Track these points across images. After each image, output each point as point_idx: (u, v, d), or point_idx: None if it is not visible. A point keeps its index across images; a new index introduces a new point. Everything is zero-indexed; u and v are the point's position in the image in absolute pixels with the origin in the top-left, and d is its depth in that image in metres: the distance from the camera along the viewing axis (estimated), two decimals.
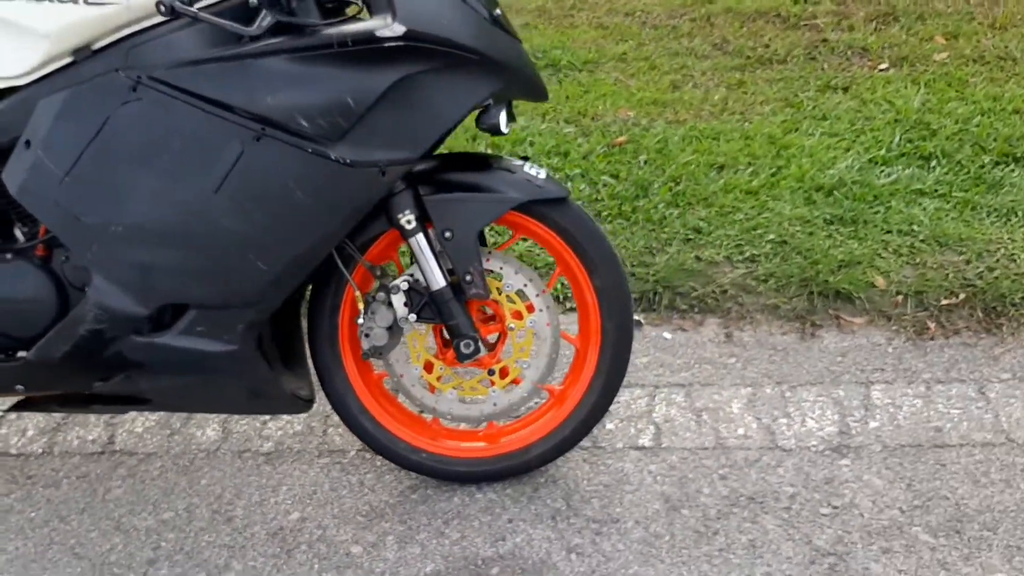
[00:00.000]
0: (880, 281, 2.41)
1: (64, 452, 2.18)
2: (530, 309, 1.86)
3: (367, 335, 1.81)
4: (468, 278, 1.77)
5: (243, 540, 1.89)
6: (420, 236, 1.75)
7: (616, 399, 1.98)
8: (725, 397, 2.16)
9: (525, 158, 1.87)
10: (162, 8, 1.47)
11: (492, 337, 1.90)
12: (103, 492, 2.05)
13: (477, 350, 1.80)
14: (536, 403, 2.03)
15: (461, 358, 1.81)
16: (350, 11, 1.71)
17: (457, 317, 1.79)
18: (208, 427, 2.20)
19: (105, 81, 1.63)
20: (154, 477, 2.08)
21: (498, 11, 1.71)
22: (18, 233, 1.85)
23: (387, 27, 1.57)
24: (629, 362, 1.92)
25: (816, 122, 3.17)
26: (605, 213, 2.78)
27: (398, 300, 1.80)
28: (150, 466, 2.11)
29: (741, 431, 2.06)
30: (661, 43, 3.91)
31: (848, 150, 2.97)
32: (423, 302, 1.80)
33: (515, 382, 1.90)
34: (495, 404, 1.91)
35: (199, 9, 1.54)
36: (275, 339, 1.89)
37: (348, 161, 1.62)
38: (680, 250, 2.60)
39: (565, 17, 4.27)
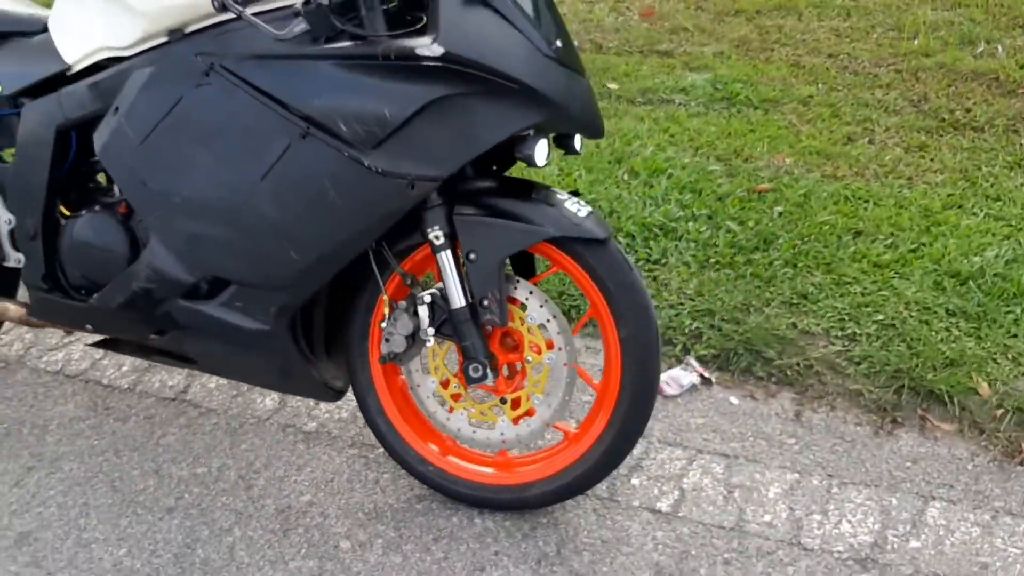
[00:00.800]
0: (984, 388, 2.16)
1: (143, 392, 2.37)
2: (550, 346, 1.83)
3: (387, 340, 1.84)
4: (485, 303, 1.76)
5: (252, 510, 1.99)
6: (447, 253, 1.76)
7: (652, 456, 1.92)
8: (767, 478, 2.03)
9: (576, 193, 1.83)
10: (215, 4, 1.56)
11: (507, 368, 1.88)
12: (158, 436, 2.22)
13: (484, 376, 1.79)
14: (550, 441, 1.99)
15: (469, 380, 1.81)
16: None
17: (470, 339, 1.78)
18: (268, 396, 2.32)
19: (186, 63, 1.76)
20: (205, 432, 2.22)
21: (559, 43, 1.68)
22: (116, 190, 2.02)
23: (428, 46, 1.59)
24: (646, 422, 1.85)
25: (986, 201, 2.88)
26: (714, 260, 2.66)
27: (422, 311, 1.82)
28: (206, 421, 2.26)
29: (768, 518, 1.92)
30: (853, 91, 3.68)
31: (1007, 238, 2.68)
32: (443, 318, 1.81)
33: (528, 414, 1.88)
34: (503, 434, 1.89)
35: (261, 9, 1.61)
36: (316, 327, 1.96)
37: (379, 170, 1.66)
38: (778, 313, 2.45)
39: (764, 51, 4.11)
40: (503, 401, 1.88)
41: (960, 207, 2.86)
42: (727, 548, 1.86)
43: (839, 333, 2.38)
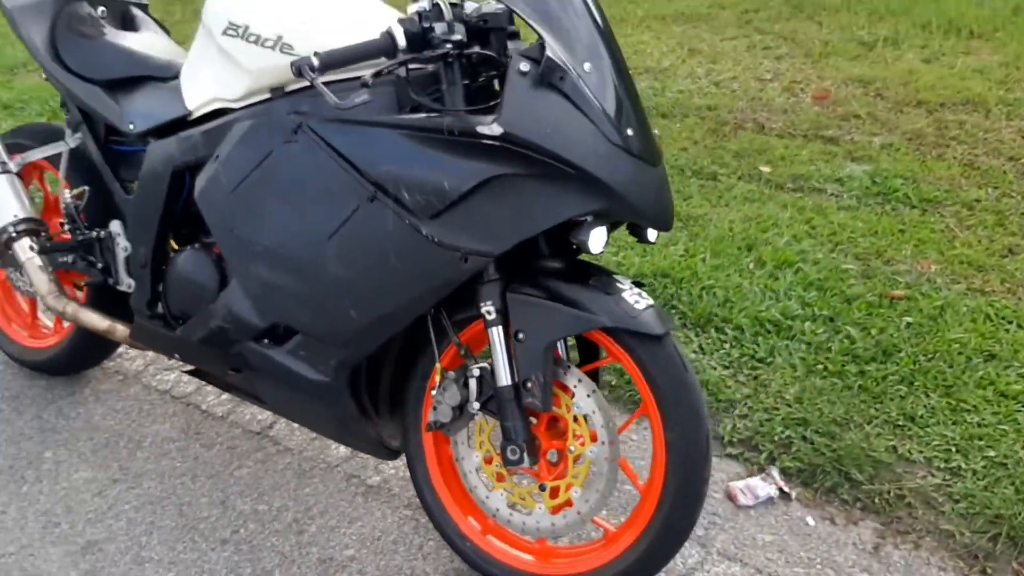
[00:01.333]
0: None
1: (233, 422, 2.48)
2: (593, 438, 1.77)
3: (435, 408, 1.84)
4: (528, 385, 1.73)
5: (297, 555, 2.03)
6: (498, 329, 1.75)
7: (707, 568, 1.84)
8: None
9: (639, 284, 1.78)
10: (292, 69, 1.63)
11: (553, 454, 1.83)
12: (234, 467, 2.31)
13: (521, 459, 1.76)
14: (592, 535, 1.92)
15: (506, 463, 1.78)
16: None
17: (511, 420, 1.75)
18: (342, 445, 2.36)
19: (279, 119, 1.85)
20: (277, 470, 2.29)
21: (630, 131, 1.64)
22: None
23: (488, 125, 1.59)
24: (687, 532, 1.76)
25: None
26: (824, 366, 2.51)
27: (471, 384, 1.81)
28: (280, 459, 2.33)
29: None
30: None
31: None
32: (490, 394, 1.79)
33: (567, 505, 1.82)
34: (538, 522, 1.84)
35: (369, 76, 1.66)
36: (383, 386, 1.99)
37: (436, 240, 1.68)
38: (879, 433, 2.27)
39: (937, 146, 3.87)
40: (543, 488, 1.84)
41: None
42: None
43: (942, 464, 2.18)
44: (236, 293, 1.95)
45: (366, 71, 1.65)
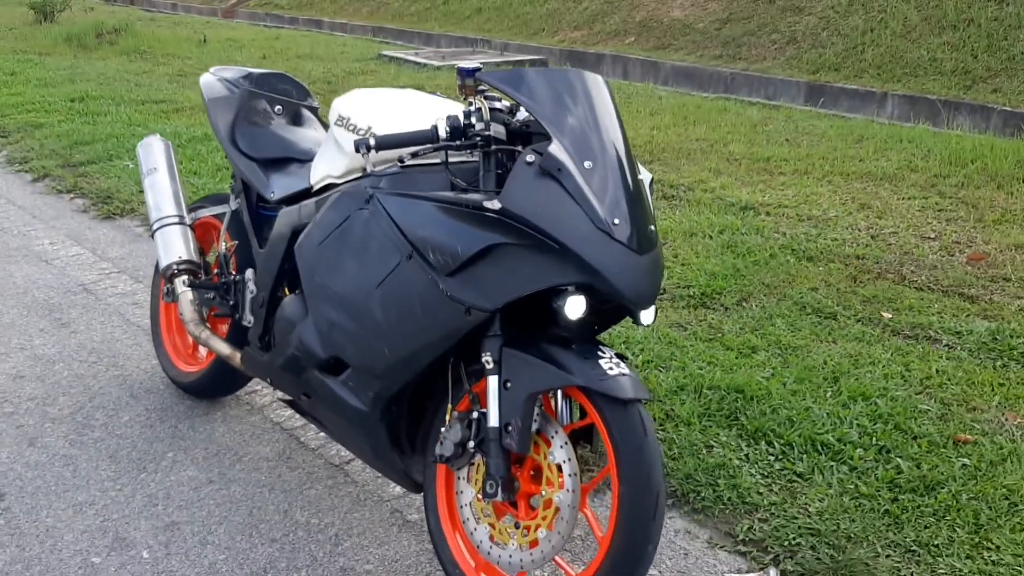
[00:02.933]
0: None
1: (319, 455, 2.89)
2: (561, 486, 2.01)
3: (441, 443, 2.15)
4: (509, 428, 2.01)
5: (326, 561, 2.39)
6: (495, 378, 2.05)
7: None
8: None
9: (623, 356, 2.03)
10: (355, 145, 2.07)
11: (537, 499, 2.07)
12: (306, 487, 2.70)
13: (496, 493, 2.02)
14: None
15: (484, 495, 2.05)
16: None
17: (493, 457, 2.04)
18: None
19: (360, 191, 2.30)
20: (339, 495, 2.67)
21: (617, 220, 1.93)
22: None
23: (491, 201, 1.95)
24: None
25: None
26: (860, 489, 2.57)
27: (473, 426, 2.11)
28: (345, 489, 2.70)
29: None
30: None
31: None
32: (484, 435, 2.08)
33: (534, 544, 2.05)
34: (511, 556, 2.09)
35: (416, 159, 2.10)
36: (417, 425, 2.33)
37: (449, 294, 2.03)
38: (890, 555, 2.32)
39: None
40: (517, 526, 2.08)
41: None
42: None
43: None
44: (308, 327, 2.38)
45: (408, 151, 2.07)
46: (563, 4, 13.95)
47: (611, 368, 1.98)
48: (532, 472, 2.10)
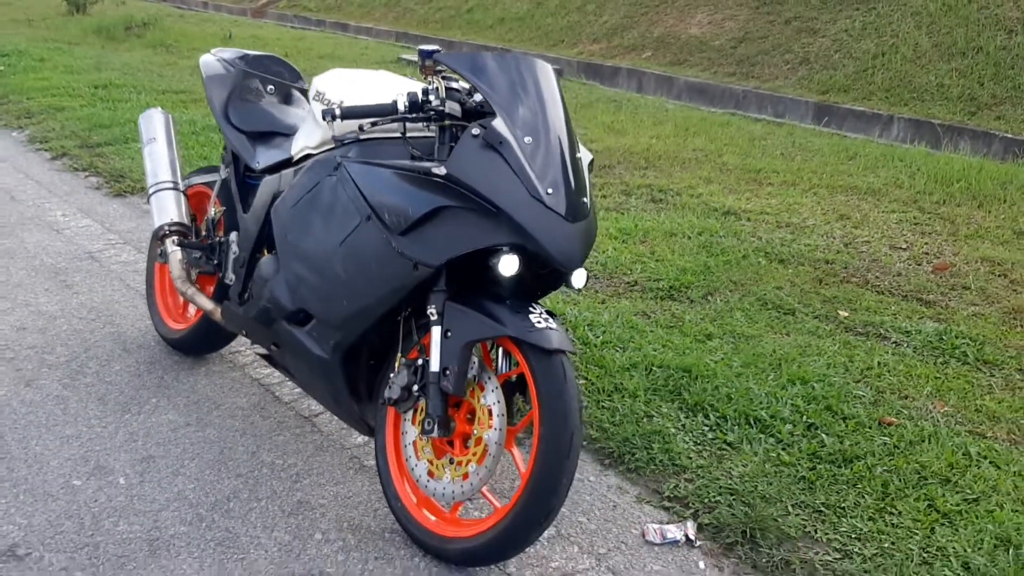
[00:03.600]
0: None
1: (291, 407, 3.12)
2: (491, 426, 2.23)
3: (389, 387, 2.38)
4: (447, 372, 2.24)
5: (285, 494, 2.60)
6: (438, 328, 2.28)
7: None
8: None
9: (552, 314, 2.26)
10: (324, 115, 2.30)
11: (471, 441, 2.30)
12: (275, 434, 2.93)
13: (432, 430, 2.25)
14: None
15: (423, 432, 2.27)
16: None
17: (432, 399, 2.26)
18: (361, 436, 2.92)
19: (331, 160, 2.54)
20: (305, 442, 2.90)
21: (551, 190, 2.15)
22: None
23: (438, 167, 2.19)
24: (545, 518, 2.17)
25: None
26: (780, 458, 2.77)
27: (417, 372, 2.34)
28: (311, 437, 2.94)
29: None
30: None
31: None
32: (426, 379, 2.31)
33: (464, 477, 2.27)
34: (444, 488, 2.31)
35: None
36: (373, 375, 2.56)
37: (400, 251, 2.26)
38: (799, 514, 2.52)
39: None
40: (451, 461, 2.31)
41: None
42: None
43: (838, 547, 2.40)
44: (279, 282, 2.62)
45: (368, 122, 2.31)
46: (583, 17, 14.21)
47: (539, 322, 2.20)
48: (468, 415, 2.33)
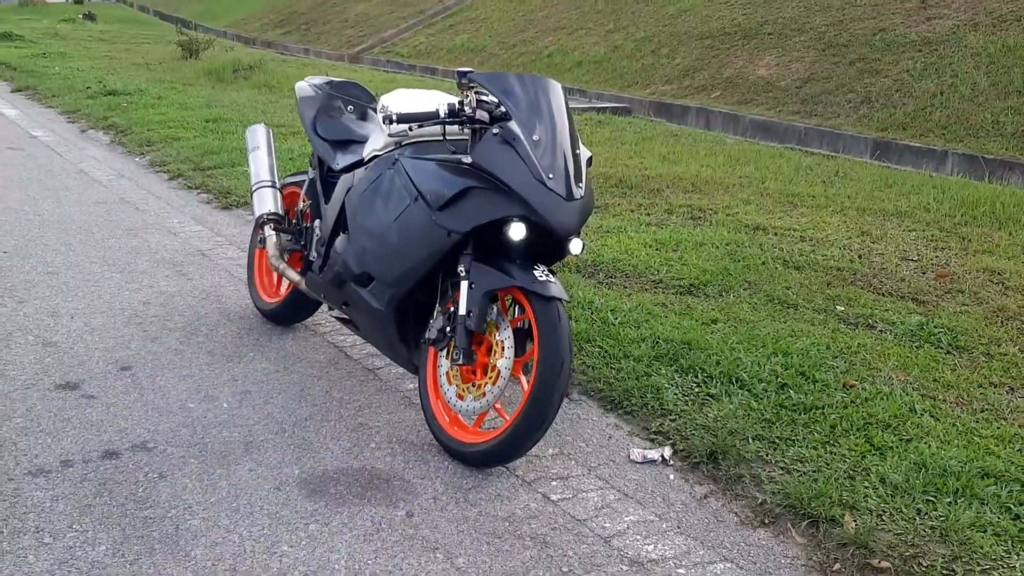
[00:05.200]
0: None
1: (358, 362, 3.84)
2: (503, 355, 2.92)
3: (429, 330, 3.09)
4: (470, 314, 2.94)
5: (336, 418, 3.31)
6: (465, 282, 2.98)
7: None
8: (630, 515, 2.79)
9: (552, 272, 2.94)
10: (383, 118, 3.05)
11: (492, 364, 2.98)
12: (342, 377, 3.66)
13: (459, 359, 2.94)
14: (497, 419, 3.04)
15: (452, 360, 2.97)
16: None
17: (459, 334, 2.96)
18: (412, 380, 3.62)
19: (391, 158, 3.29)
20: (366, 386, 3.61)
21: (552, 175, 2.85)
22: None
23: (466, 158, 2.91)
24: (542, 425, 2.86)
25: None
26: (751, 406, 3.37)
27: (452, 317, 3.04)
28: (371, 382, 3.65)
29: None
30: None
31: None
32: (456, 321, 3.01)
33: (482, 396, 2.96)
34: (468, 405, 3.00)
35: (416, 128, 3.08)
36: (415, 322, 3.27)
37: (438, 223, 2.99)
38: (757, 443, 3.12)
39: (1015, 319, 4.43)
40: (474, 386, 3.00)
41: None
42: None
43: (783, 466, 3.00)
44: (349, 252, 3.36)
45: (416, 125, 3.05)
46: (657, 60, 14.91)
47: (541, 276, 2.89)
48: (487, 351, 3.02)
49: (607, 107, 12.65)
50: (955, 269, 5.23)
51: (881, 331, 4.25)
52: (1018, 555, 2.59)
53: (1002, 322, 4.43)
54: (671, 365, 3.74)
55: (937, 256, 5.49)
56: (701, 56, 14.25)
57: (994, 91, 10.54)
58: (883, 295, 4.77)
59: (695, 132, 11.01)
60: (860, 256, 5.44)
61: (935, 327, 4.25)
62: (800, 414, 3.34)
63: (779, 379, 3.61)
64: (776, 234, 5.85)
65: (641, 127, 10.54)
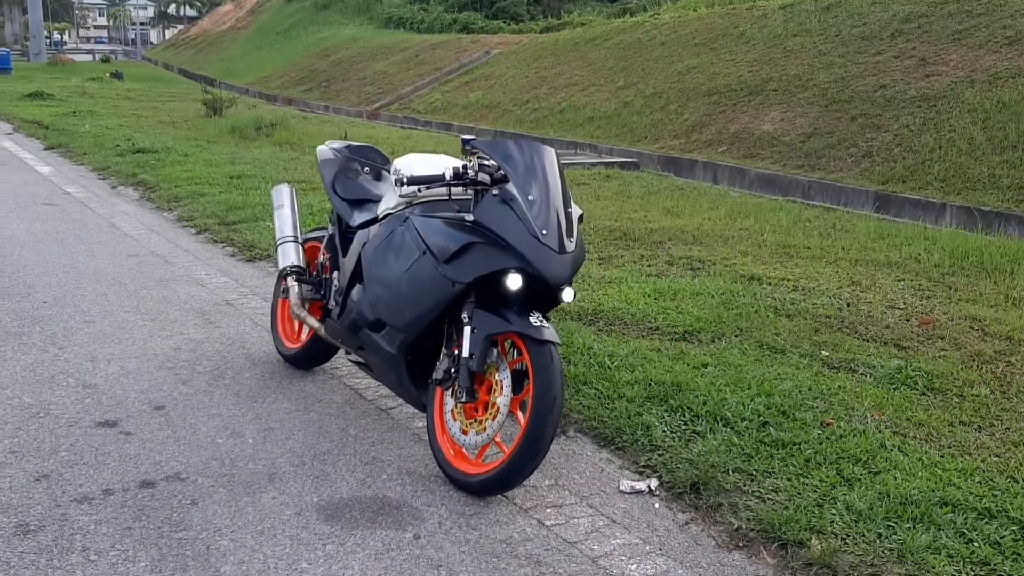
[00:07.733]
0: None
1: (372, 403, 4.16)
2: (501, 394, 3.23)
3: (436, 371, 3.42)
4: (472, 356, 3.26)
5: (352, 452, 3.62)
6: (468, 327, 3.31)
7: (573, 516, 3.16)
8: (607, 538, 3.08)
9: (546, 317, 3.26)
10: (395, 180, 3.41)
11: (492, 401, 3.30)
12: (357, 416, 3.98)
13: (462, 397, 3.26)
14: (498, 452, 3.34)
15: (456, 400, 3.29)
16: None
17: (463, 376, 3.28)
18: (420, 418, 3.94)
19: (401, 215, 3.65)
20: (380, 424, 3.92)
21: (545, 231, 3.19)
22: None
23: (468, 216, 3.26)
24: (536, 458, 3.17)
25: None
26: (733, 441, 3.65)
27: (456, 359, 3.36)
28: (384, 421, 3.96)
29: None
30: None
31: None
32: (460, 363, 3.33)
33: (482, 430, 3.27)
34: (470, 439, 3.31)
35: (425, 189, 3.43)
36: (423, 364, 3.59)
37: (444, 274, 3.33)
38: (736, 474, 3.40)
39: (989, 362, 4.71)
40: (477, 422, 3.31)
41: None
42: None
43: (759, 494, 3.28)
44: (364, 301, 3.70)
45: (424, 187, 3.40)
46: (666, 116, 15.35)
47: (536, 323, 3.22)
48: (488, 390, 3.33)
49: (616, 161, 13.05)
50: (938, 316, 5.51)
51: (862, 374, 4.53)
52: (967, 575, 2.86)
53: (978, 366, 4.71)
54: (661, 405, 4.04)
55: (922, 304, 5.78)
56: (708, 112, 14.68)
57: (990, 145, 10.87)
58: (867, 341, 5.06)
59: (700, 186, 11.38)
60: (848, 304, 5.74)
61: (912, 370, 4.53)
62: (778, 449, 3.63)
63: (761, 417, 3.89)
64: (770, 284, 6.15)
65: (648, 181, 10.92)
